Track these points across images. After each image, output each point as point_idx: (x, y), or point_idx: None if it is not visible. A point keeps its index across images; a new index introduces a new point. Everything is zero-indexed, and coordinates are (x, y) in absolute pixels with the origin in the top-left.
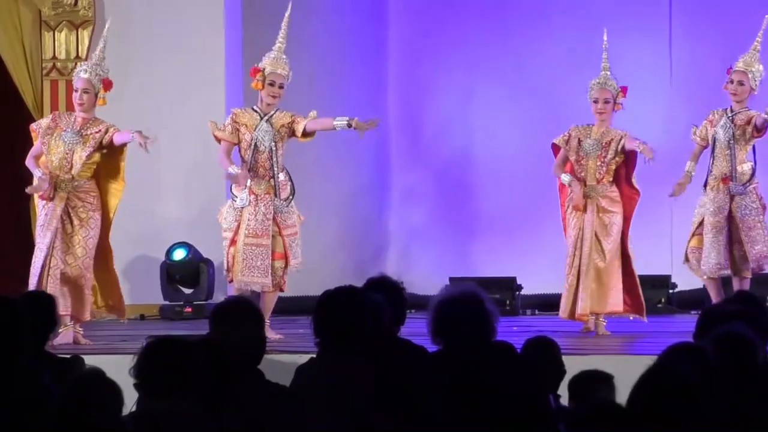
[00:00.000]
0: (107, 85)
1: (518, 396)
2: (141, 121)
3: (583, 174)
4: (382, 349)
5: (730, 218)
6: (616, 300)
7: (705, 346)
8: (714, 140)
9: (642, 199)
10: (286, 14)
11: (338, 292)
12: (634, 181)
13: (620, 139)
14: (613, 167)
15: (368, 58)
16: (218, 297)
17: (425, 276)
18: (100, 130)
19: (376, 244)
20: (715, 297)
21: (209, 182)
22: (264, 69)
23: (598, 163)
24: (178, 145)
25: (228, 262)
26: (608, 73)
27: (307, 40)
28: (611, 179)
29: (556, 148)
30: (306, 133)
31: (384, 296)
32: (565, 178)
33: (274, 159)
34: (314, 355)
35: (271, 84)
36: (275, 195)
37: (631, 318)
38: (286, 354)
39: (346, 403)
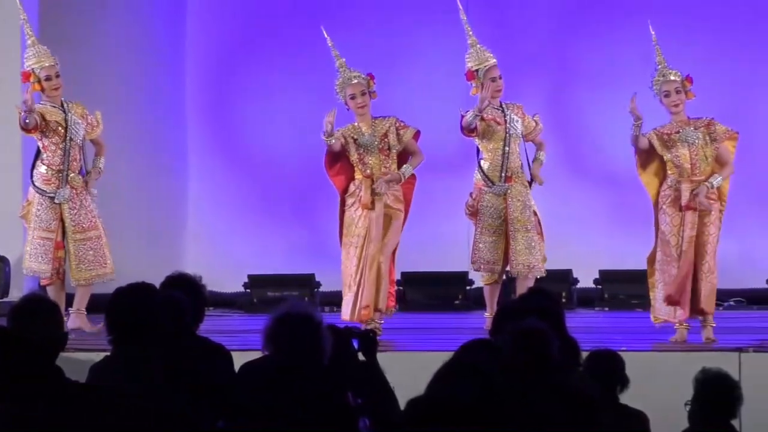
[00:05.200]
0: None
1: (322, 391)
2: None
3: (368, 171)
4: (182, 347)
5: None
6: (386, 297)
7: (501, 341)
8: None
9: (439, 195)
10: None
11: (130, 290)
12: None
13: (395, 128)
14: (395, 157)
15: (166, 53)
16: (14, 294)
17: (224, 274)
18: None
19: (174, 242)
20: (489, 302)
21: (4, 179)
22: (33, 70)
23: (382, 157)
24: None
25: (54, 263)
26: (349, 70)
27: (101, 34)
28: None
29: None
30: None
31: (183, 294)
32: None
33: (84, 150)
34: (109, 353)
35: (48, 78)
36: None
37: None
38: (82, 352)
39: (139, 402)
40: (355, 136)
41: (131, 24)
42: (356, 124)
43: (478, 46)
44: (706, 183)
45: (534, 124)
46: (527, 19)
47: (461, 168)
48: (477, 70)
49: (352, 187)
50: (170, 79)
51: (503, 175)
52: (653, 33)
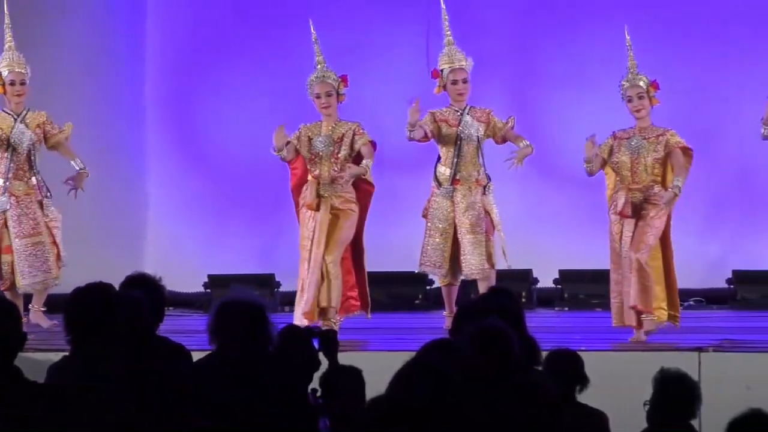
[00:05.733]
0: None
1: (281, 391)
2: None
3: (317, 172)
4: (145, 347)
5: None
6: (339, 295)
7: (461, 341)
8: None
9: (400, 195)
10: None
11: (88, 289)
12: (369, 176)
13: (352, 133)
14: (344, 162)
15: (126, 56)
16: None
17: (184, 274)
18: None
19: (134, 243)
20: (447, 302)
21: None
22: (1, 72)
23: (332, 160)
24: None
25: (4, 267)
26: (324, 69)
27: (59, 37)
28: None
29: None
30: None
31: (143, 293)
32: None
33: (33, 159)
34: (67, 353)
35: (12, 83)
36: (38, 194)
37: (356, 314)
38: (40, 352)
39: (100, 402)
40: (311, 136)
41: (91, 27)
42: (319, 122)
43: (452, 47)
44: (672, 189)
45: (502, 123)
46: (491, 19)
47: (423, 168)
48: (443, 70)
49: (304, 189)
50: (129, 81)
51: (452, 177)
52: (628, 38)
